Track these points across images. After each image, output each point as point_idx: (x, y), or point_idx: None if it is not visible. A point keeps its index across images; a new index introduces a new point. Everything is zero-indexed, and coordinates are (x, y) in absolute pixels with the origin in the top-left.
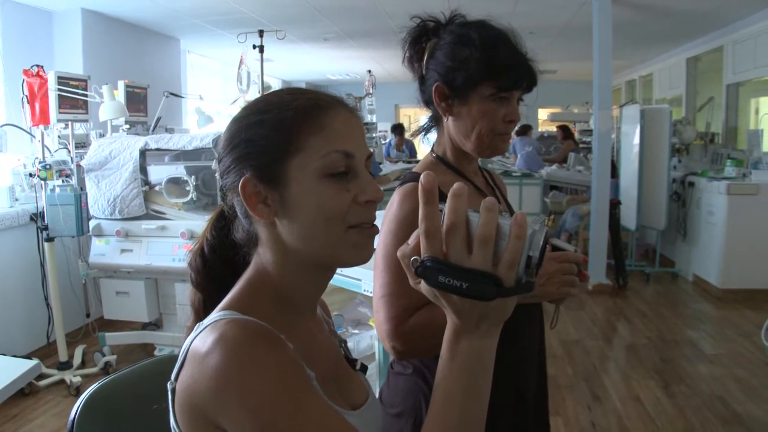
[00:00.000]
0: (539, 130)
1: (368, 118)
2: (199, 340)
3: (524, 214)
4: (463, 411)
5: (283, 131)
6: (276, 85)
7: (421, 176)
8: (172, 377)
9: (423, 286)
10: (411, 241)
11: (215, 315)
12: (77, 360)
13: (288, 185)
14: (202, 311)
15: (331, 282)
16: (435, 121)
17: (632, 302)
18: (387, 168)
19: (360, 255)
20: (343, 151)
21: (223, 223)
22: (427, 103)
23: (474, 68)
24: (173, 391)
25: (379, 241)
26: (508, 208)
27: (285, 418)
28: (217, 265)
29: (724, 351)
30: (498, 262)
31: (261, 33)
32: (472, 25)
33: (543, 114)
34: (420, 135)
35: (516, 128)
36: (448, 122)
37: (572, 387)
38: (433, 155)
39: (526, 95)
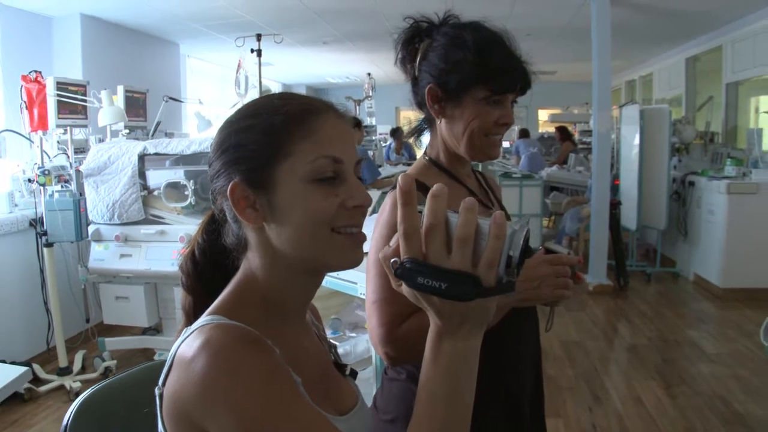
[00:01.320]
0: (539, 131)
1: (368, 120)
2: (186, 344)
3: (503, 214)
4: (447, 413)
5: (272, 136)
6: (276, 89)
7: (399, 178)
8: (160, 382)
9: (404, 288)
10: (392, 243)
11: (202, 320)
12: (77, 365)
13: (276, 190)
14: (192, 315)
15: (328, 286)
16: (428, 124)
17: (633, 302)
18: (387, 171)
19: (348, 259)
20: (332, 157)
21: (213, 227)
22: (420, 105)
23: (467, 71)
24: (161, 396)
25: (370, 246)
26: (502, 210)
27: (270, 422)
28: (207, 269)
29: (725, 350)
30: (478, 262)
31: (259, 37)
32: (465, 27)
33: (543, 115)
34: (413, 137)
35: (518, 131)
36: (441, 124)
37: (573, 388)
38: (426, 158)
39: (522, 97)
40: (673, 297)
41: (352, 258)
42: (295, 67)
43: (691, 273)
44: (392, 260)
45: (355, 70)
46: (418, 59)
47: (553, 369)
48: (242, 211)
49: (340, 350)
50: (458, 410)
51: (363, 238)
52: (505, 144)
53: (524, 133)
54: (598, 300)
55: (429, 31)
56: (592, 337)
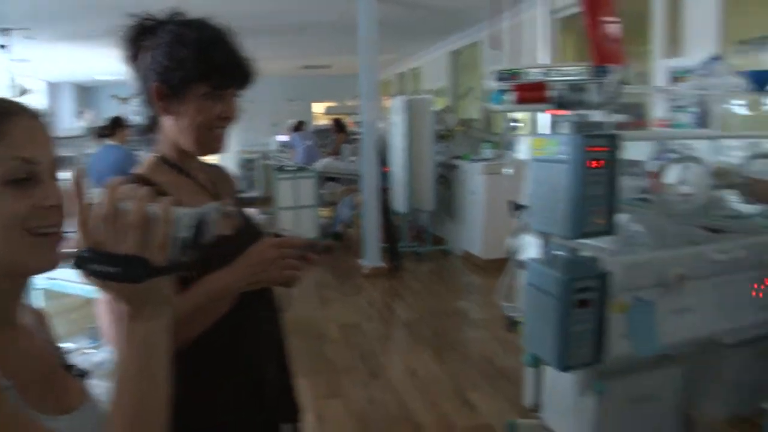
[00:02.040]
0: (315, 124)
1: (134, 119)
2: None
3: (170, 200)
4: (139, 393)
5: None
6: (40, 88)
7: (72, 172)
8: None
9: (91, 279)
10: (74, 236)
11: None
12: None
13: None
14: None
15: (82, 294)
16: (155, 121)
17: (407, 282)
18: None
19: (44, 260)
20: (23, 158)
21: None
22: (147, 102)
23: (190, 68)
24: None
25: None
26: (236, 203)
27: None
28: None
29: (488, 316)
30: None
31: (5, 31)
32: (189, 25)
33: (320, 108)
34: (143, 135)
35: (293, 124)
36: (168, 121)
37: (350, 369)
38: (155, 155)
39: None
40: (443, 273)
41: (48, 258)
42: (59, 64)
43: (460, 249)
44: (69, 251)
45: (125, 68)
46: (143, 57)
47: (331, 352)
48: None
49: (96, 358)
50: (151, 390)
51: (59, 238)
52: (284, 138)
53: (299, 126)
54: (374, 282)
55: (153, 28)
56: (369, 318)
